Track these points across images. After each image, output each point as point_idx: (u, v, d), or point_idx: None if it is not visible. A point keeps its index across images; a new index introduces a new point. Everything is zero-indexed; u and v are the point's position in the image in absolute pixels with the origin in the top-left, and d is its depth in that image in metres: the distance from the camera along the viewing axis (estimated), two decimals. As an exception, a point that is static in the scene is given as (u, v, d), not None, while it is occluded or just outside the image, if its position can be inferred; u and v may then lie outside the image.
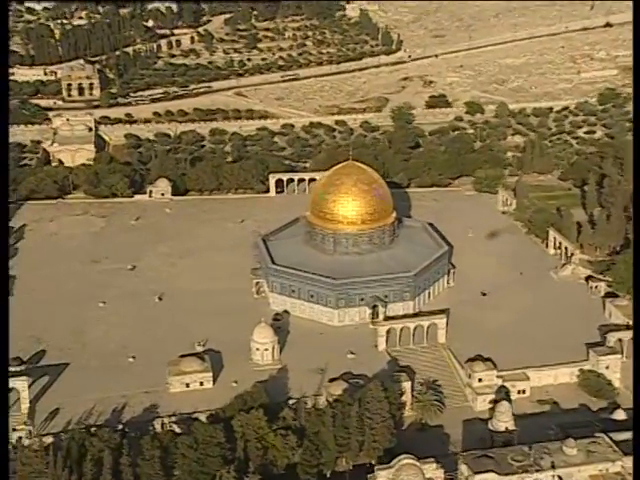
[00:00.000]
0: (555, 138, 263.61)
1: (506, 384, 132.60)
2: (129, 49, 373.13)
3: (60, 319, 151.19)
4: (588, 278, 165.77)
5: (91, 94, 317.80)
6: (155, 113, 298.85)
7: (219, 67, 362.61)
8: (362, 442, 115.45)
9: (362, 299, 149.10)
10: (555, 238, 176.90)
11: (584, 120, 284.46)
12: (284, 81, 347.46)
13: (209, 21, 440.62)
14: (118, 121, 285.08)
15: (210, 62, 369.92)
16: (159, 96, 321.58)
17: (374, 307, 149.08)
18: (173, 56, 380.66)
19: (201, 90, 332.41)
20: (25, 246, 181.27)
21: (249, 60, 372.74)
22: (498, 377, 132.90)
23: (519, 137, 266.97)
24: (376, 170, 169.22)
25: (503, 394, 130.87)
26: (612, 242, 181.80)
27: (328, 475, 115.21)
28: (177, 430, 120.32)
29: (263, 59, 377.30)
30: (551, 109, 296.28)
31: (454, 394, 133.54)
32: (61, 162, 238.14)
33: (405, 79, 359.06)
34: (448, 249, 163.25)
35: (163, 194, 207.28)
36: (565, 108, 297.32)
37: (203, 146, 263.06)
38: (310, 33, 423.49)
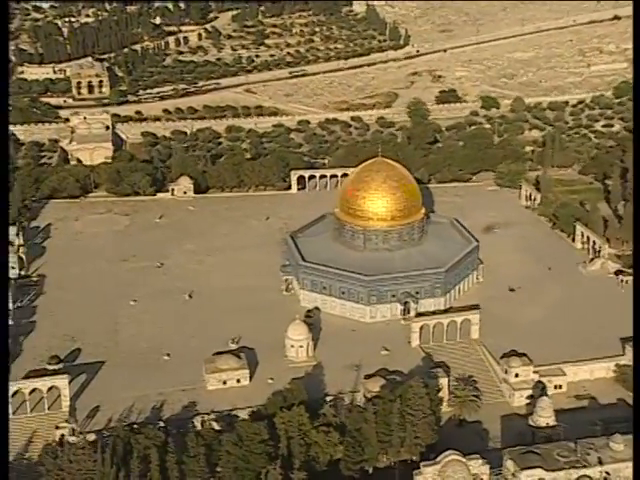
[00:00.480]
0: (573, 132, 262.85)
1: (542, 379, 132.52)
2: (137, 46, 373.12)
3: (93, 318, 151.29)
4: (617, 272, 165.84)
5: (100, 92, 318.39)
6: (165, 110, 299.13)
7: (227, 64, 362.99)
8: (403, 438, 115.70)
9: (393, 295, 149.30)
10: (583, 232, 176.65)
11: (601, 114, 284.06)
12: (293, 77, 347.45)
13: (216, 18, 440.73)
14: (129, 119, 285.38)
15: (218, 59, 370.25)
16: (168, 93, 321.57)
17: (405, 303, 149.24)
18: (181, 53, 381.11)
19: (210, 87, 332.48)
20: (52, 245, 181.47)
21: (257, 57, 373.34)
22: (534, 372, 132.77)
23: (536, 131, 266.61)
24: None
25: (539, 390, 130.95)
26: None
27: (370, 471, 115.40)
28: (217, 427, 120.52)
29: (271, 55, 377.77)
30: (567, 103, 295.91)
31: (490, 390, 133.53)
32: (79, 161, 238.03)
33: (414, 74, 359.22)
34: (477, 244, 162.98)
35: (185, 192, 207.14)
36: (581, 102, 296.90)
37: (220, 143, 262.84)
38: (317, 29, 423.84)
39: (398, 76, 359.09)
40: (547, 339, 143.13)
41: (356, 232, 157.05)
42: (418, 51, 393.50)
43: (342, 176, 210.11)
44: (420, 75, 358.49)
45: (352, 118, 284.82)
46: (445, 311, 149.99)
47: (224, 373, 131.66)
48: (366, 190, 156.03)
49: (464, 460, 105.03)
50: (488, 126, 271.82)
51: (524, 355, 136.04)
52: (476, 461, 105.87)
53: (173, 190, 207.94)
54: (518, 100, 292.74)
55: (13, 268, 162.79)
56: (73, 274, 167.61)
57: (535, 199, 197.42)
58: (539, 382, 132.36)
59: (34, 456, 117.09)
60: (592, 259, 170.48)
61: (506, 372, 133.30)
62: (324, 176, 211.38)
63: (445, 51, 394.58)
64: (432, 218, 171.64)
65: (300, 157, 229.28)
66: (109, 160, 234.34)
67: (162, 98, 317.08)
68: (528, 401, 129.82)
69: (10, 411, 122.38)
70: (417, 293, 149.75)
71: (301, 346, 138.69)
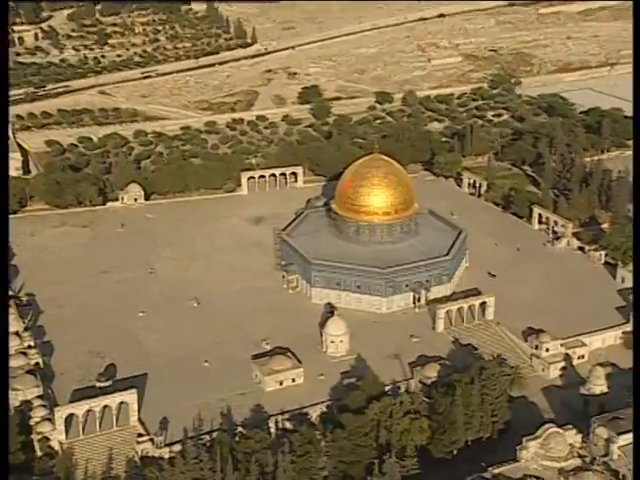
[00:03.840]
0: (472, 122, 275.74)
1: (568, 351, 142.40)
2: None
3: (108, 332, 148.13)
4: (580, 249, 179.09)
5: None
6: (17, 116, 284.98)
7: (73, 65, 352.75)
8: (482, 418, 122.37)
9: (407, 285, 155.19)
10: (540, 214, 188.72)
11: (485, 104, 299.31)
12: (146, 77, 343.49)
13: (50, 17, 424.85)
14: (27, 127, 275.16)
15: (62, 60, 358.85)
16: (17, 98, 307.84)
17: (420, 292, 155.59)
18: (18, 54, 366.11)
19: (60, 90, 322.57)
20: (23, 262, 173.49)
21: (103, 57, 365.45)
22: (561, 345, 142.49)
23: (437, 123, 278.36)
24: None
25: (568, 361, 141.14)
26: (583, 215, 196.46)
27: (455, 452, 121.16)
28: (289, 427, 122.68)
29: (118, 55, 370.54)
30: (452, 95, 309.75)
31: (521, 366, 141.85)
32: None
33: (268, 71, 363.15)
34: (466, 232, 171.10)
35: (136, 199, 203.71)
36: (464, 94, 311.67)
37: (133, 148, 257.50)
38: (160, 28, 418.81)
39: (252, 74, 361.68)
40: (547, 314, 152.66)
41: (361, 227, 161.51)
42: (266, 49, 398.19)
43: (291, 174, 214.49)
44: (275, 72, 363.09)
45: (257, 117, 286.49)
46: (451, 296, 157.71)
47: (280, 374, 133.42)
48: (369, 186, 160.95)
49: (562, 431, 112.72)
50: (390, 119, 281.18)
51: (543, 331, 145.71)
52: (570, 431, 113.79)
53: (123, 198, 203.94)
54: (410, 94, 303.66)
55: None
56: (62, 290, 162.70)
57: (480, 186, 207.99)
58: (566, 354, 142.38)
59: (120, 473, 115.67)
60: (557, 238, 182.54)
61: (536, 347, 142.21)
62: (274, 175, 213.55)
63: (293, 48, 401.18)
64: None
65: (242, 159, 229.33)
66: (18, 171, 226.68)
67: (12, 103, 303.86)
68: (561, 373, 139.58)
69: (80, 430, 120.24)
70: (427, 281, 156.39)
71: (341, 341, 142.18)
